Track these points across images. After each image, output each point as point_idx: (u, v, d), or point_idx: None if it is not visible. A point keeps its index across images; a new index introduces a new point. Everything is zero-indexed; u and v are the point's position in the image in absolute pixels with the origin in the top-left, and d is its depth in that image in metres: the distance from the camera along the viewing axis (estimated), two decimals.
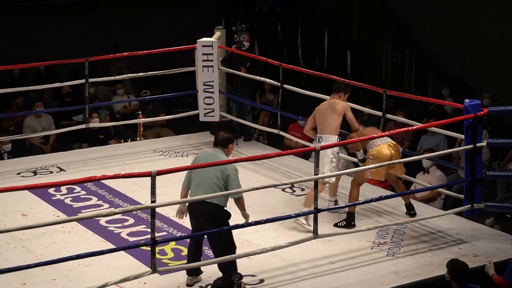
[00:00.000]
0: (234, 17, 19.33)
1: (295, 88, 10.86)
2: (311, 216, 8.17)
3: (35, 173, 10.73)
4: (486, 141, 8.70)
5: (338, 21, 17.75)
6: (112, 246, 8.21)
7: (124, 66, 16.05)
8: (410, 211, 9.30)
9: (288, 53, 19.62)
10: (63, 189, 9.94)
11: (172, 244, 8.39)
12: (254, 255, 7.85)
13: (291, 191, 10.08)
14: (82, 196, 9.86)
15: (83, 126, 11.51)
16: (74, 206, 9.58)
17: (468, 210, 8.77)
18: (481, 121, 8.60)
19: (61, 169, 10.85)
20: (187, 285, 7.75)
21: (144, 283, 7.62)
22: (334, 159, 9.07)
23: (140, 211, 9.13)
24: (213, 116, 11.74)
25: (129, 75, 12.36)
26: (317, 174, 7.81)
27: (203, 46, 11.57)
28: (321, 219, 8.15)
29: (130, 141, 12.59)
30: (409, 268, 8.10)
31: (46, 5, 16.84)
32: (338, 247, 8.48)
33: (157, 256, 7.35)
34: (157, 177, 7.08)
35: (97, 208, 9.42)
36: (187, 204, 7.67)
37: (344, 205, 8.85)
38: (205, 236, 7.71)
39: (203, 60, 11.57)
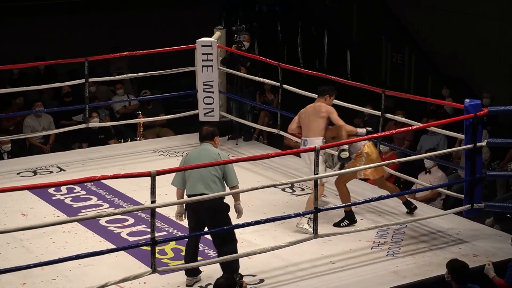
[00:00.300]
0: (234, 17, 19.34)
1: (294, 88, 10.86)
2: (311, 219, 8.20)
3: (35, 173, 10.73)
4: (486, 141, 8.71)
5: (338, 21, 17.75)
6: (112, 246, 8.21)
7: (124, 66, 16.06)
8: (410, 206, 9.29)
9: (288, 53, 19.61)
10: (63, 189, 9.94)
11: (172, 244, 8.39)
12: (254, 255, 7.85)
13: (291, 191, 10.08)
14: (82, 196, 9.86)
15: (83, 126, 11.51)
16: (74, 206, 9.59)
17: (468, 210, 8.77)
18: (481, 121, 8.61)
19: (61, 169, 10.85)
20: (187, 285, 7.75)
21: (144, 283, 7.63)
22: (324, 159, 9.10)
23: (140, 211, 9.12)
24: (213, 116, 11.74)
25: (129, 75, 12.36)
26: (317, 174, 7.81)
27: (202, 46, 11.58)
28: (321, 219, 8.15)
29: (130, 141, 12.59)
30: (409, 268, 8.10)
31: (46, 5, 16.85)
32: (338, 247, 8.48)
33: (157, 256, 7.35)
34: (157, 177, 7.08)
35: (97, 208, 9.42)
36: (185, 204, 7.67)
37: (344, 205, 8.84)
38: (204, 235, 7.72)
39: (203, 60, 11.57)
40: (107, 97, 14.41)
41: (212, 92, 11.64)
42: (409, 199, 9.46)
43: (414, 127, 9.39)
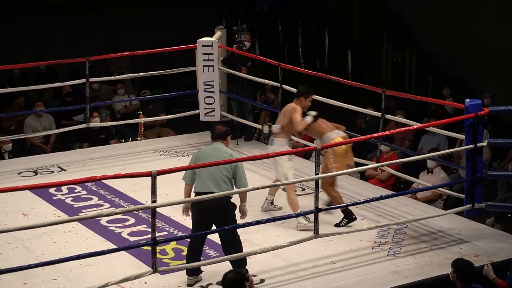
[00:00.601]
0: (235, 17, 19.34)
1: (294, 89, 10.85)
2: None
3: (35, 173, 10.73)
4: (487, 140, 8.70)
5: (339, 21, 17.75)
6: (113, 246, 8.21)
7: (125, 66, 16.06)
8: (349, 216, 9.18)
9: (289, 53, 19.62)
10: (64, 189, 9.94)
11: (173, 244, 8.39)
12: (255, 255, 7.85)
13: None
14: (82, 196, 9.86)
15: (83, 125, 11.51)
16: (75, 206, 9.59)
17: (469, 210, 8.77)
18: (482, 121, 8.60)
19: (62, 169, 10.85)
20: (188, 285, 7.75)
21: (145, 283, 7.62)
22: (290, 158, 9.13)
23: (140, 211, 9.12)
24: (214, 115, 11.74)
25: (129, 75, 12.36)
26: (317, 174, 7.81)
27: (203, 46, 11.57)
28: (322, 219, 8.15)
29: (131, 140, 12.59)
30: (410, 268, 8.10)
31: (46, 5, 16.85)
32: (339, 247, 8.48)
33: (158, 256, 7.36)
34: (158, 177, 7.08)
35: (98, 208, 9.42)
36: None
37: (344, 204, 8.84)
38: (206, 235, 7.73)
39: (204, 60, 11.56)
40: (109, 97, 14.41)
41: (213, 92, 11.64)
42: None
43: (415, 127, 9.38)
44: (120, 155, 11.47)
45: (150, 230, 7.22)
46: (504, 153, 11.87)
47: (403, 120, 10.11)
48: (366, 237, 8.68)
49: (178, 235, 8.59)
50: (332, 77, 10.75)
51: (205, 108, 11.78)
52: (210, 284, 7.72)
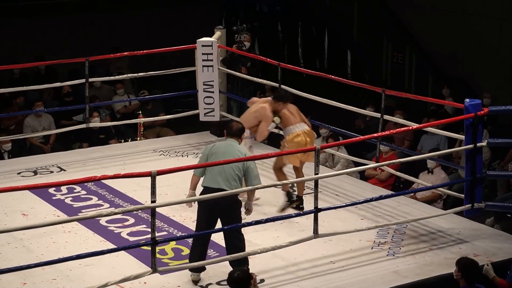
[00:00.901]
0: (234, 17, 19.35)
1: (293, 89, 10.86)
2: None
3: (35, 172, 10.72)
4: (486, 140, 8.70)
5: (338, 21, 17.76)
6: (112, 246, 8.20)
7: (124, 66, 16.06)
8: (291, 199, 9.30)
9: (289, 53, 19.62)
10: (64, 189, 9.94)
11: (173, 243, 8.39)
12: (255, 255, 7.85)
13: (291, 190, 10.06)
14: (82, 196, 9.85)
15: (83, 125, 11.51)
16: (75, 206, 9.58)
17: (469, 210, 8.77)
18: (482, 121, 8.60)
19: (62, 169, 10.84)
20: (194, 281, 7.75)
21: (145, 283, 7.62)
22: (251, 149, 9.22)
23: (140, 211, 9.12)
24: (213, 115, 11.74)
25: (129, 75, 12.35)
26: (317, 174, 7.81)
27: (203, 46, 11.57)
28: (322, 219, 8.14)
29: (130, 140, 12.58)
30: (409, 267, 8.09)
31: (46, 5, 16.85)
32: (339, 247, 8.48)
33: (158, 256, 7.36)
34: (157, 177, 7.08)
35: (98, 208, 9.41)
36: (201, 194, 7.68)
37: (345, 204, 8.84)
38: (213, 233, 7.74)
39: (203, 60, 11.56)
40: (110, 96, 14.42)
41: (213, 92, 11.64)
42: (292, 193, 9.40)
43: (414, 127, 9.38)
44: (120, 155, 11.46)
45: (149, 230, 7.22)
46: (504, 153, 11.87)
47: (401, 120, 10.12)
48: (366, 237, 8.68)
49: (178, 235, 8.59)
50: (332, 77, 10.75)
51: (204, 108, 11.78)
52: (210, 284, 7.72)
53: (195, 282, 7.75)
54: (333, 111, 10.70)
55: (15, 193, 8.51)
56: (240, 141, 7.99)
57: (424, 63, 16.10)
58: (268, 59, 11.49)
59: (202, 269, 7.78)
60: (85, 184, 10.01)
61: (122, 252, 7.82)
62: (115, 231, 8.86)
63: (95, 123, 12.19)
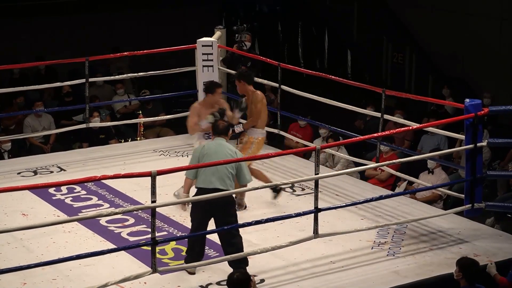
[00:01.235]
0: (235, 17, 19.35)
1: (292, 89, 10.87)
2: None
3: (35, 172, 10.72)
4: (486, 140, 8.70)
5: (339, 21, 17.76)
6: (112, 246, 8.20)
7: (125, 65, 16.06)
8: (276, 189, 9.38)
9: (289, 53, 19.62)
10: (64, 189, 9.93)
11: (173, 244, 8.38)
12: (255, 255, 7.85)
13: (291, 190, 10.08)
14: (82, 196, 9.85)
15: (83, 125, 11.51)
16: (75, 206, 9.58)
17: (469, 210, 8.77)
18: (482, 121, 8.60)
19: (62, 169, 10.84)
20: (190, 273, 7.80)
21: (145, 283, 7.62)
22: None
23: (140, 211, 9.12)
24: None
25: (129, 74, 12.35)
26: (317, 174, 7.81)
27: (203, 45, 11.57)
28: (322, 219, 8.14)
29: (131, 140, 12.59)
30: (409, 267, 8.09)
31: (46, 5, 16.86)
32: (339, 247, 8.48)
33: (158, 256, 7.36)
34: (157, 177, 7.08)
35: (98, 208, 9.41)
36: (195, 195, 7.72)
37: (345, 204, 8.83)
38: (210, 233, 7.74)
39: (203, 60, 11.56)
40: (110, 96, 14.42)
41: None
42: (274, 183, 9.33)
43: (414, 127, 9.38)
44: (120, 155, 11.46)
45: (149, 230, 7.21)
46: (504, 153, 11.86)
47: (401, 120, 10.11)
48: (366, 237, 8.68)
49: (178, 235, 8.58)
50: (332, 77, 10.75)
51: None
52: (210, 284, 7.72)
53: (191, 273, 7.81)
54: (333, 111, 10.70)
55: (15, 193, 8.51)
56: (228, 138, 8.12)
57: (424, 63, 16.10)
58: (268, 59, 11.49)
59: (198, 261, 7.82)
60: (85, 184, 10.01)
61: (122, 252, 7.82)
62: (115, 231, 8.86)
63: (95, 123, 12.19)
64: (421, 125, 9.69)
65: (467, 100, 8.62)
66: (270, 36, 19.84)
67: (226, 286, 7.48)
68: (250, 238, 8.55)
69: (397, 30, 16.63)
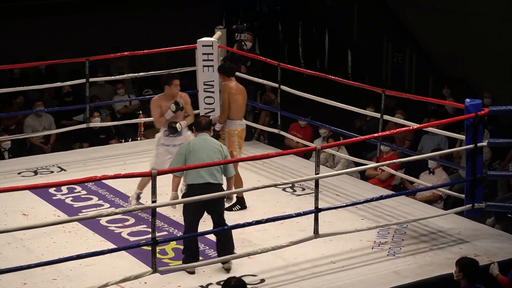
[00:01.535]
0: (235, 17, 19.34)
1: (292, 90, 10.86)
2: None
3: (35, 172, 10.72)
4: (487, 140, 8.70)
5: (339, 21, 17.75)
6: (112, 246, 8.21)
7: (125, 65, 16.06)
8: (243, 204, 9.40)
9: (289, 53, 19.62)
10: (64, 188, 9.94)
11: (173, 243, 8.38)
12: (255, 255, 7.85)
13: (292, 190, 10.08)
14: (82, 196, 9.85)
15: (83, 125, 11.51)
16: (75, 206, 9.58)
17: (469, 210, 8.77)
18: (482, 121, 8.60)
19: (62, 169, 10.84)
20: (190, 273, 7.82)
21: (145, 283, 7.62)
22: (161, 150, 9.20)
23: (140, 211, 9.12)
24: (214, 115, 11.71)
25: (129, 74, 12.35)
26: (317, 174, 7.81)
27: (203, 45, 11.55)
28: (322, 219, 8.14)
29: (131, 140, 12.59)
30: (410, 268, 8.09)
31: (46, 5, 16.86)
32: (339, 247, 8.48)
33: (158, 256, 7.36)
34: (158, 177, 7.08)
35: (98, 208, 9.41)
36: (186, 192, 7.75)
37: (345, 204, 8.83)
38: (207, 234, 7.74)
39: (203, 60, 11.55)
40: (111, 96, 14.42)
41: (213, 92, 11.60)
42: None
43: (415, 127, 9.38)
44: (120, 155, 11.46)
45: (150, 230, 7.22)
46: (504, 153, 11.86)
47: (401, 120, 10.11)
48: (366, 237, 8.67)
49: (178, 235, 8.58)
50: (332, 77, 10.75)
51: (205, 108, 11.73)
52: (210, 284, 7.72)
53: (191, 273, 7.84)
54: (333, 111, 10.70)
55: (16, 193, 8.52)
56: (210, 133, 8.24)
57: (424, 63, 16.09)
58: (268, 59, 11.49)
59: (197, 260, 7.85)
60: (86, 184, 10.01)
61: (122, 252, 7.81)
62: (116, 231, 8.86)
63: (96, 123, 12.19)
64: (422, 125, 9.68)
65: (467, 100, 8.62)
66: (270, 36, 19.84)
67: None
68: (250, 238, 8.55)
69: (397, 30, 16.62)
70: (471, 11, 15.31)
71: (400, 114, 12.08)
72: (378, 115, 10.08)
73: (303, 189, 10.10)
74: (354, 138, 9.11)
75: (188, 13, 18.10)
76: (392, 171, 10.57)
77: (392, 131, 9.25)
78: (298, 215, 8.28)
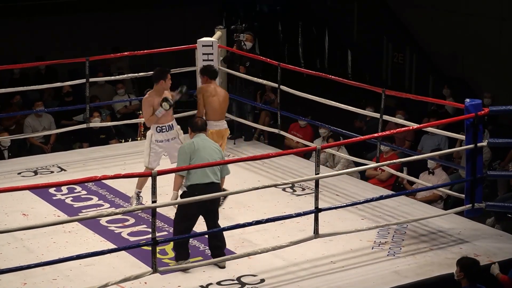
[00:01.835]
0: (235, 17, 19.36)
1: (292, 90, 10.86)
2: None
3: (35, 173, 10.72)
4: (487, 140, 8.70)
5: (339, 21, 17.76)
6: (112, 246, 8.21)
7: (125, 65, 16.07)
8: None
9: (289, 53, 19.63)
10: (64, 189, 9.93)
11: (173, 244, 8.37)
12: (255, 255, 7.85)
13: (292, 190, 10.08)
14: (82, 196, 9.85)
15: (83, 125, 11.51)
16: (75, 206, 9.58)
17: (469, 210, 8.77)
18: (482, 121, 8.60)
19: (62, 169, 10.84)
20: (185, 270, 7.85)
21: (145, 283, 7.62)
22: (154, 147, 9.18)
23: (140, 211, 9.12)
24: None
25: (129, 74, 12.35)
26: (318, 174, 7.81)
27: (203, 46, 11.57)
28: (322, 219, 8.14)
29: (131, 140, 12.59)
30: (410, 268, 8.09)
31: (46, 5, 16.86)
32: (339, 247, 8.48)
33: (158, 256, 7.36)
34: (158, 177, 7.08)
35: (98, 208, 9.41)
36: (194, 192, 7.75)
37: (345, 204, 8.83)
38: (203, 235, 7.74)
39: (204, 60, 11.56)
40: (111, 96, 14.42)
41: None
42: None
43: (415, 127, 9.38)
44: (120, 155, 11.47)
45: (150, 230, 7.22)
46: (504, 153, 11.86)
47: (401, 121, 10.11)
48: (366, 237, 8.67)
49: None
50: (332, 77, 10.75)
51: None
52: (210, 284, 7.72)
53: (187, 270, 7.87)
54: (334, 111, 10.70)
55: (16, 193, 8.51)
56: (206, 134, 8.39)
57: (424, 63, 16.10)
58: (268, 59, 11.49)
59: (187, 256, 7.91)
60: (86, 184, 10.01)
61: (123, 252, 7.81)
62: (116, 231, 8.86)
63: (96, 123, 12.19)
64: (421, 125, 9.68)
65: (467, 100, 8.62)
66: (270, 36, 19.85)
67: (226, 286, 7.54)
68: (250, 238, 8.56)
69: (397, 30, 16.63)
70: (471, 11, 15.31)
71: (401, 115, 12.08)
72: (378, 115, 10.08)
73: (303, 189, 10.10)
74: (354, 138, 9.10)
75: (188, 13, 18.10)
76: (392, 171, 10.56)
77: (392, 131, 9.26)
78: (298, 215, 8.28)
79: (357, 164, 10.37)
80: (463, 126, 8.64)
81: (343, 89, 12.97)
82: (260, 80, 11.45)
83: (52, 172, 10.75)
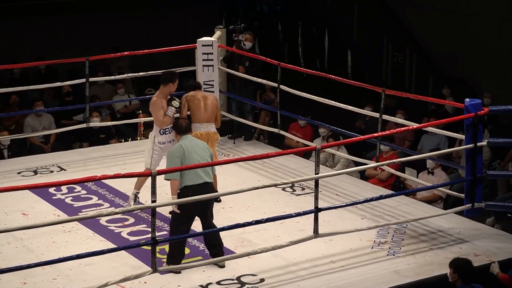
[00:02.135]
0: (235, 17, 19.36)
1: (291, 89, 10.86)
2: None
3: (35, 172, 10.72)
4: (486, 140, 8.70)
5: (339, 21, 17.76)
6: (112, 246, 8.21)
7: (125, 65, 16.07)
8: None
9: (289, 53, 19.63)
10: (64, 188, 9.94)
11: (168, 247, 8.36)
12: (255, 255, 7.85)
13: (292, 190, 10.08)
14: (82, 196, 9.86)
15: (83, 125, 11.52)
16: (75, 205, 9.58)
17: (469, 210, 8.77)
18: (482, 121, 8.60)
19: (62, 169, 10.84)
20: (177, 273, 7.84)
21: (145, 282, 7.62)
22: (157, 149, 9.16)
23: (140, 211, 9.12)
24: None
25: (129, 74, 12.35)
26: (317, 174, 7.81)
27: (203, 45, 11.58)
28: (322, 219, 8.15)
29: (131, 140, 12.59)
30: (409, 267, 8.09)
31: (46, 5, 16.86)
32: (339, 247, 8.48)
33: (158, 255, 7.36)
34: (158, 177, 7.08)
35: (98, 208, 9.42)
36: (188, 194, 7.74)
37: (345, 204, 8.83)
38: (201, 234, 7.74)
39: (203, 60, 11.57)
40: (111, 96, 14.42)
41: (213, 92, 11.63)
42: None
43: (414, 126, 9.38)
44: (120, 154, 11.47)
45: (150, 229, 7.22)
46: (504, 152, 11.86)
47: (400, 120, 10.11)
48: (366, 236, 8.68)
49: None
50: (332, 76, 10.75)
51: None
52: (210, 283, 7.72)
53: (178, 273, 7.87)
54: (333, 111, 10.70)
55: (15, 193, 8.50)
56: (192, 134, 8.46)
57: (424, 63, 16.10)
58: (268, 59, 11.49)
59: (179, 262, 7.87)
60: (85, 183, 10.02)
61: (122, 252, 7.82)
62: (115, 231, 8.86)
63: (95, 123, 12.19)
64: (421, 125, 9.69)
65: (467, 100, 8.62)
66: (270, 36, 19.85)
67: (226, 286, 7.54)
68: (250, 237, 8.56)
69: (397, 30, 16.63)
70: (471, 11, 15.32)
71: (401, 114, 12.08)
72: (377, 114, 10.08)
73: (303, 189, 10.10)
74: (353, 138, 9.09)
75: (188, 13, 18.10)
76: (392, 171, 10.56)
77: (392, 130, 9.25)
78: (298, 215, 8.28)
79: (357, 164, 10.38)
80: (463, 125, 8.65)
81: (343, 88, 13.00)
82: (260, 80, 11.45)
83: (52, 171, 10.75)
